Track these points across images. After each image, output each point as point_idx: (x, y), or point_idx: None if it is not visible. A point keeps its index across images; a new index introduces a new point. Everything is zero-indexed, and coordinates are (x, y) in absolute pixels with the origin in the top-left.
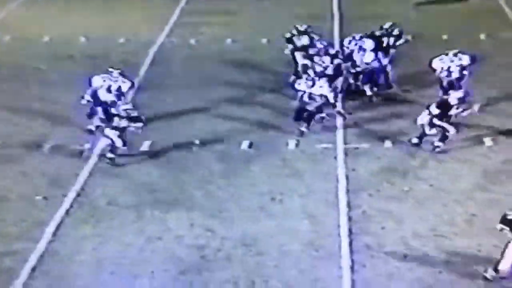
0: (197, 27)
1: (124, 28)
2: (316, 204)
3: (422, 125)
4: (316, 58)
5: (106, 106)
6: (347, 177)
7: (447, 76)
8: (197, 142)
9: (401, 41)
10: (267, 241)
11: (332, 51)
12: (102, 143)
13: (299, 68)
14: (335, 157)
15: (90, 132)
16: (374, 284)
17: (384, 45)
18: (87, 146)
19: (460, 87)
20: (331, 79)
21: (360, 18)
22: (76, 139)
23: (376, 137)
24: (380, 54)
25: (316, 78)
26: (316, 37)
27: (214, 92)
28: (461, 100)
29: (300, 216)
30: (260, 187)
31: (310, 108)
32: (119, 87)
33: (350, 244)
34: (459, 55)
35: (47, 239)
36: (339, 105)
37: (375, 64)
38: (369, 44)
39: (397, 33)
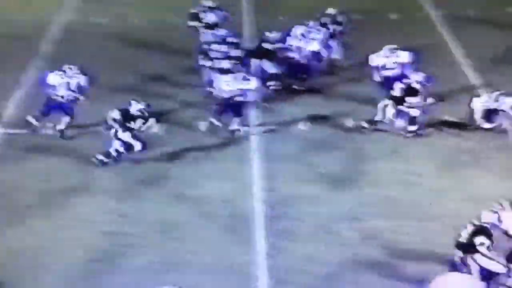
0: (104, 5)
1: (27, 7)
2: (232, 189)
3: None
4: (215, 45)
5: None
6: (262, 161)
7: (383, 71)
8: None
9: (343, 28)
10: (183, 226)
11: (232, 40)
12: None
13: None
14: (249, 140)
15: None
16: (291, 268)
17: (331, 31)
18: None
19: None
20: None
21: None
22: None
23: (292, 119)
24: (331, 42)
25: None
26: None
27: (120, 74)
28: (423, 84)
29: (215, 201)
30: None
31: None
32: (78, 83)
33: (267, 228)
34: (397, 52)
35: None
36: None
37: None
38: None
39: (342, 19)
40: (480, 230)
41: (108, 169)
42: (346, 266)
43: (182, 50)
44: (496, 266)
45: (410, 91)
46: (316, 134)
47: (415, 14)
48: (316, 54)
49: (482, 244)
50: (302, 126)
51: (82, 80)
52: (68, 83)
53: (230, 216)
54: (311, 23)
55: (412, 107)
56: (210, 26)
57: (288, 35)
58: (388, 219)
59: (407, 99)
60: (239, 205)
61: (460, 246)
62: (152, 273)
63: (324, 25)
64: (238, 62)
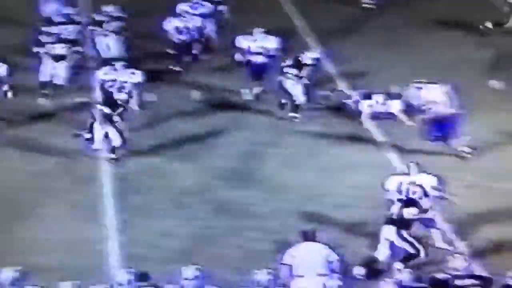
0: None
1: None
2: (79, 164)
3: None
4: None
5: None
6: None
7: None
8: None
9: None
10: (28, 202)
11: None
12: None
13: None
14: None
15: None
16: (143, 243)
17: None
18: None
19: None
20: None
21: None
22: None
23: None
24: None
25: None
26: None
27: None
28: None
29: (63, 177)
30: None
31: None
32: None
33: (116, 204)
34: (266, 35)
35: None
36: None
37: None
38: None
39: None
40: (409, 202)
41: None
42: (200, 240)
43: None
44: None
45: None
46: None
47: None
48: (199, 30)
49: (412, 214)
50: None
51: None
52: None
53: (77, 191)
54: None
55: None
56: None
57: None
58: (238, 190)
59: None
60: (87, 181)
61: (392, 221)
62: None
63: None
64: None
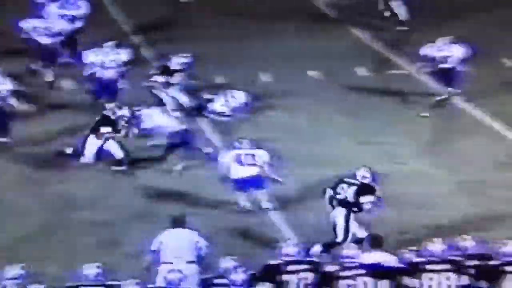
0: None
1: None
2: None
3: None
4: None
5: None
6: None
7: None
8: None
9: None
10: None
11: None
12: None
13: None
14: None
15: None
16: None
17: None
18: None
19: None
20: None
21: None
22: None
23: None
24: None
25: None
26: None
27: None
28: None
29: None
30: None
31: None
32: None
33: None
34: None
35: None
36: None
37: None
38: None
39: None
40: (365, 188)
41: None
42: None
43: None
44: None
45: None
46: None
47: None
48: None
49: (368, 202)
50: None
51: None
52: None
53: None
54: None
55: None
56: None
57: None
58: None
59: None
60: None
61: (344, 203)
62: None
63: None
64: None
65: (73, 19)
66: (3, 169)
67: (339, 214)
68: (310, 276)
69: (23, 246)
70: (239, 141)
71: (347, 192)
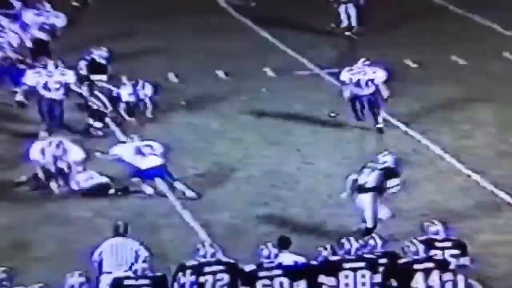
0: None
1: None
2: None
3: None
4: None
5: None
6: None
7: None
8: None
9: None
10: None
11: None
12: None
13: None
14: None
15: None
16: None
17: None
18: None
19: None
20: None
21: None
22: None
23: None
24: None
25: None
26: None
27: None
28: None
29: None
30: None
31: None
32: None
33: None
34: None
35: None
36: None
37: None
38: None
39: None
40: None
41: None
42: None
43: None
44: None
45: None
46: None
47: None
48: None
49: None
50: None
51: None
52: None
53: None
54: None
55: None
56: None
57: None
58: None
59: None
60: None
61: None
62: None
63: None
64: None
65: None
66: None
67: (365, 200)
68: (226, 277)
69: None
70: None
71: (371, 177)
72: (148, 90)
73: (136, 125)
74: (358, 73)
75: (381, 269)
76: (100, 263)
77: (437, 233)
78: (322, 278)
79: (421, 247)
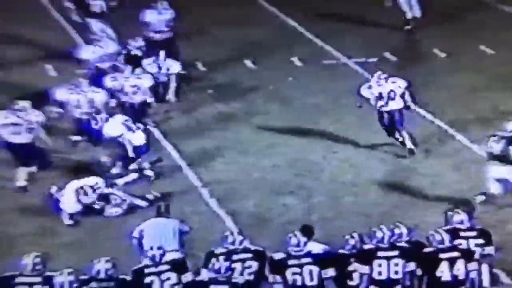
0: None
1: None
2: None
3: None
4: None
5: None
6: None
7: None
8: None
9: None
10: None
11: None
12: None
13: None
14: None
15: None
16: None
17: None
18: None
19: None
20: None
21: None
22: None
23: None
24: None
25: None
26: None
27: None
28: None
29: None
30: None
31: None
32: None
33: None
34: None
35: None
36: None
37: None
38: None
39: None
40: None
41: None
42: None
43: None
44: None
45: None
46: None
47: None
48: None
49: None
50: None
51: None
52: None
53: None
54: None
55: None
56: None
57: None
58: None
59: None
60: None
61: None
62: None
63: None
64: None
65: None
66: None
67: (493, 168)
68: (254, 265)
69: None
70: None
71: (498, 145)
72: (174, 67)
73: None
74: (377, 87)
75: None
76: (140, 241)
77: (461, 222)
78: (355, 266)
79: (446, 237)
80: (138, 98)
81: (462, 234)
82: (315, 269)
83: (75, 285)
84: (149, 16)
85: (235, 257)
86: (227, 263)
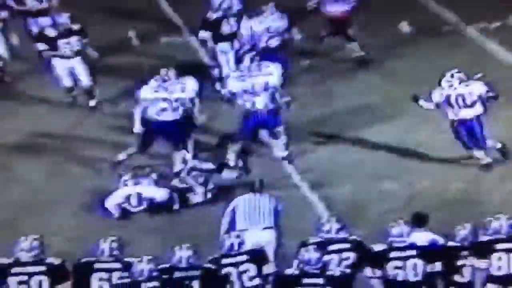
0: None
1: None
2: None
3: None
4: None
5: None
6: None
7: None
8: None
9: None
10: None
11: None
12: None
13: None
14: None
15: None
16: None
17: None
18: None
19: None
20: None
21: None
22: None
23: None
24: None
25: None
26: None
27: None
28: None
29: None
30: None
31: None
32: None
33: None
34: None
35: None
36: None
37: None
38: None
39: None
40: None
41: None
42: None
43: None
44: None
45: None
46: None
47: None
48: None
49: None
50: None
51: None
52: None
53: None
54: None
55: None
56: None
57: None
58: None
59: None
60: None
61: None
62: None
63: None
64: None
65: None
66: None
67: None
68: (352, 256)
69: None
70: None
71: None
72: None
73: None
74: (449, 89)
75: None
76: (232, 220)
77: None
78: (471, 261)
79: None
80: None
81: None
82: (419, 262)
83: (155, 273)
84: None
85: (331, 247)
86: (318, 254)
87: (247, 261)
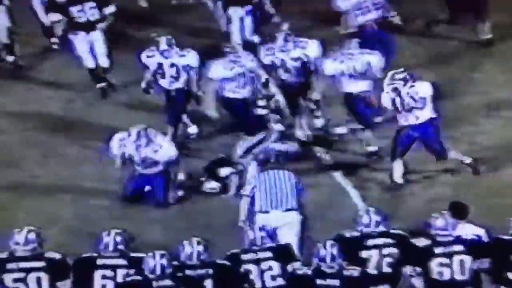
0: None
1: None
2: None
3: None
4: None
5: None
6: None
7: None
8: None
9: None
10: None
11: None
12: None
13: None
14: None
15: None
16: None
17: None
18: None
19: None
20: None
21: None
22: None
23: None
24: None
25: None
26: None
27: None
28: None
29: None
30: None
31: None
32: None
33: None
34: None
35: None
36: None
37: None
38: None
39: None
40: None
41: None
42: None
43: None
44: None
45: None
46: None
47: None
48: None
49: None
50: None
51: None
52: None
53: None
54: None
55: None
56: None
57: None
58: None
59: None
60: None
61: None
62: None
63: None
64: None
65: None
66: None
67: None
68: (394, 253)
69: None
70: None
71: None
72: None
73: None
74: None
75: None
76: (252, 200)
77: None
78: None
79: None
80: None
81: None
82: (467, 259)
83: (168, 270)
84: None
85: (370, 242)
86: (335, 250)
87: (270, 258)
